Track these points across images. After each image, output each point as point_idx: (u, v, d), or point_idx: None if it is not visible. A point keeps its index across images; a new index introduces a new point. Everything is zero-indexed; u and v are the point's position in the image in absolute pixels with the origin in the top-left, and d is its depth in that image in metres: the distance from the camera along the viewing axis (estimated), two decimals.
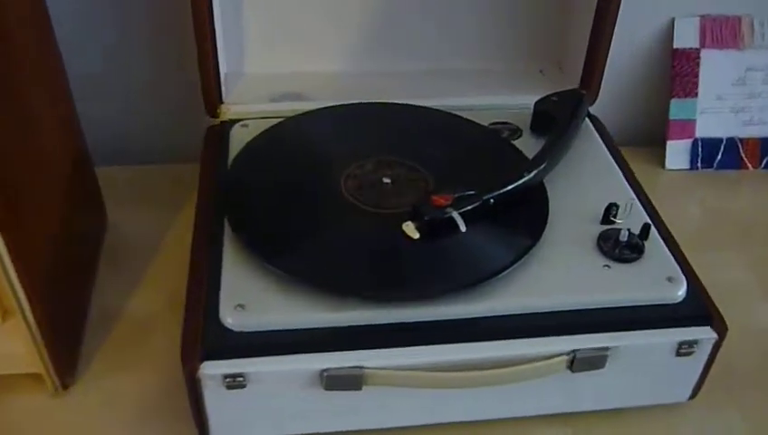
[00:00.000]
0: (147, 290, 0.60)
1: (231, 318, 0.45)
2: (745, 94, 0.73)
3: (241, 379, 0.44)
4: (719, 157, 0.74)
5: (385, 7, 0.66)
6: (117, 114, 0.72)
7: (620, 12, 0.62)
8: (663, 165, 0.74)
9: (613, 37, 0.64)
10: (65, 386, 0.52)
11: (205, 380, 0.44)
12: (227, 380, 0.44)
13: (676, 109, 0.73)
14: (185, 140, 0.68)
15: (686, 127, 0.73)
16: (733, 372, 0.54)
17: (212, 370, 0.44)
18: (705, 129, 0.74)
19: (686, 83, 0.72)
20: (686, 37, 0.72)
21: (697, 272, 0.50)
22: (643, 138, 0.77)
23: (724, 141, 0.74)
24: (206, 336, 0.45)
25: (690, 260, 0.51)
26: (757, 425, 0.52)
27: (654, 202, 0.56)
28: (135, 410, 0.51)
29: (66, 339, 0.53)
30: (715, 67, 0.72)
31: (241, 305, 0.45)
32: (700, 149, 0.74)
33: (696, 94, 0.73)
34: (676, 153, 0.74)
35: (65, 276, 0.54)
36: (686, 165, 0.74)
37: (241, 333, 0.45)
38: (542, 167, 0.53)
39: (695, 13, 0.72)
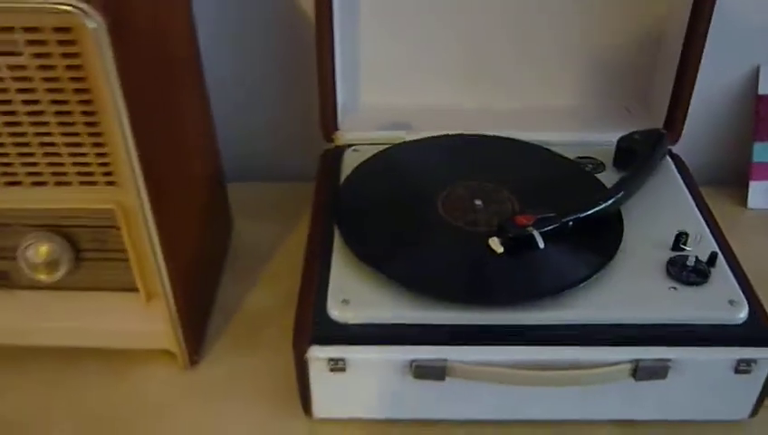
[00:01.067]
0: (263, 289, 0.69)
1: (337, 311, 0.53)
2: None
3: (342, 363, 0.52)
4: None
5: (485, 49, 0.73)
6: (245, 138, 0.82)
7: (709, 57, 0.68)
8: (746, 204, 0.78)
9: (701, 81, 0.70)
10: (193, 363, 0.61)
11: (312, 362, 0.52)
12: (330, 363, 0.52)
13: (759, 151, 0.77)
14: (302, 161, 0.77)
15: None
16: None
17: (318, 353, 0.52)
18: None
19: None
20: None
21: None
22: (728, 178, 0.81)
23: None
24: (315, 325, 0.53)
25: (763, 294, 0.55)
26: None
27: (735, 238, 0.60)
28: (249, 386, 0.60)
29: (196, 324, 0.62)
30: None
31: (345, 301, 0.53)
32: None
33: None
34: (759, 193, 0.78)
35: (199, 271, 0.63)
36: None
37: (344, 324, 0.53)
38: (618, 196, 0.59)
39: None
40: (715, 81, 0.78)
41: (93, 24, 0.44)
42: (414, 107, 0.75)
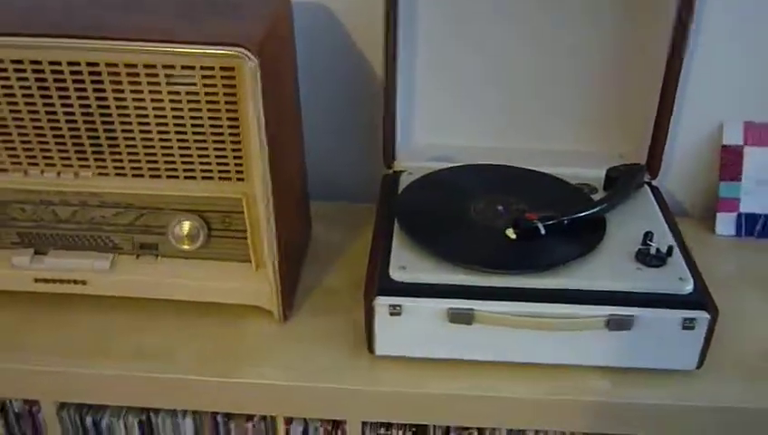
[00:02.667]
0: (334, 275, 0.90)
1: (396, 273, 0.75)
2: None
3: (399, 308, 0.73)
4: (758, 228, 0.98)
5: (514, 103, 0.95)
6: (321, 164, 1.04)
7: (685, 115, 0.90)
8: (714, 231, 0.99)
9: (681, 134, 0.92)
10: (286, 318, 0.83)
11: (377, 307, 0.74)
12: (390, 308, 0.73)
13: (724, 189, 0.98)
14: (366, 184, 1.00)
15: (732, 203, 0.98)
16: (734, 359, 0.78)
17: (382, 301, 0.73)
18: (747, 206, 0.98)
19: (732, 171, 0.97)
20: (732, 136, 0.98)
21: (716, 296, 0.74)
22: (702, 210, 1.02)
23: (763, 217, 0.97)
24: (380, 282, 0.74)
25: (720, 291, 0.75)
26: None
27: (705, 254, 0.80)
28: (325, 337, 0.80)
29: (288, 290, 0.83)
30: (755, 160, 0.97)
31: (402, 267, 0.75)
32: (744, 221, 0.98)
33: (741, 179, 0.97)
34: (724, 223, 0.98)
35: (292, 252, 0.85)
36: (733, 232, 0.98)
37: (401, 282, 0.74)
38: (601, 206, 0.81)
39: (740, 119, 0.98)
40: (693, 133, 0.99)
41: (252, 64, 0.68)
42: (455, 145, 0.97)
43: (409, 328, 0.74)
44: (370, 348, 0.76)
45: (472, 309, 0.72)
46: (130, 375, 0.76)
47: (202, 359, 0.77)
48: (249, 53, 0.67)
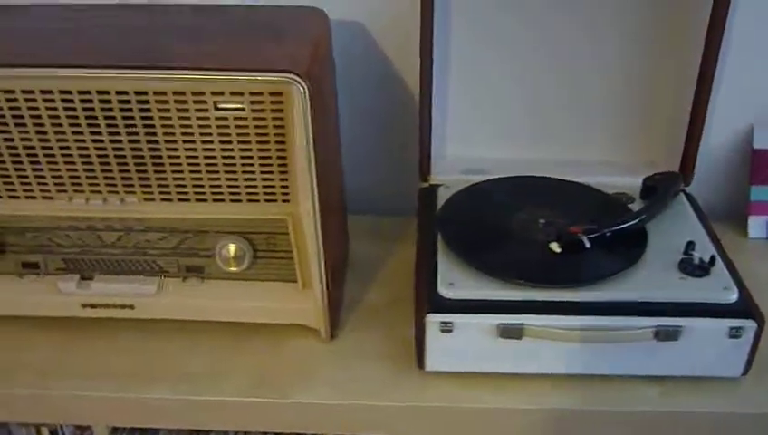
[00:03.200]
0: (375, 290, 0.91)
1: (445, 291, 0.75)
2: None
3: (450, 325, 0.74)
4: None
5: (544, 114, 0.96)
6: (360, 179, 1.05)
7: (716, 120, 0.91)
8: (747, 235, 1.00)
9: (712, 139, 0.93)
10: (333, 337, 0.83)
11: (428, 325, 0.74)
12: (441, 325, 0.74)
13: (755, 193, 0.99)
14: (398, 197, 1.01)
15: (764, 207, 0.99)
16: None
17: (433, 319, 0.74)
18: None
19: (762, 174, 0.98)
20: (763, 140, 0.98)
21: (759, 299, 0.75)
22: (735, 213, 1.03)
23: None
24: (431, 300, 0.75)
25: (759, 295, 0.76)
26: None
27: (739, 258, 0.80)
28: (373, 353, 0.81)
29: (335, 308, 0.84)
30: None
31: (451, 284, 0.76)
32: None
33: None
34: (756, 226, 0.99)
35: (336, 273, 0.86)
36: (765, 235, 0.99)
37: (451, 299, 0.75)
38: (642, 217, 0.82)
39: None
40: (724, 137, 1.00)
41: (302, 89, 0.68)
42: (486, 157, 0.98)
43: (459, 344, 0.75)
44: (420, 364, 0.77)
45: (522, 324, 0.73)
46: (182, 399, 0.77)
47: (251, 380, 0.78)
48: (299, 79, 0.68)
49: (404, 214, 1.03)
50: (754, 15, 0.92)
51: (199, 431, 0.81)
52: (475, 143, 0.98)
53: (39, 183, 0.76)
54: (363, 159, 1.05)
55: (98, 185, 0.76)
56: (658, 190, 0.88)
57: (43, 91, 0.71)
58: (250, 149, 0.74)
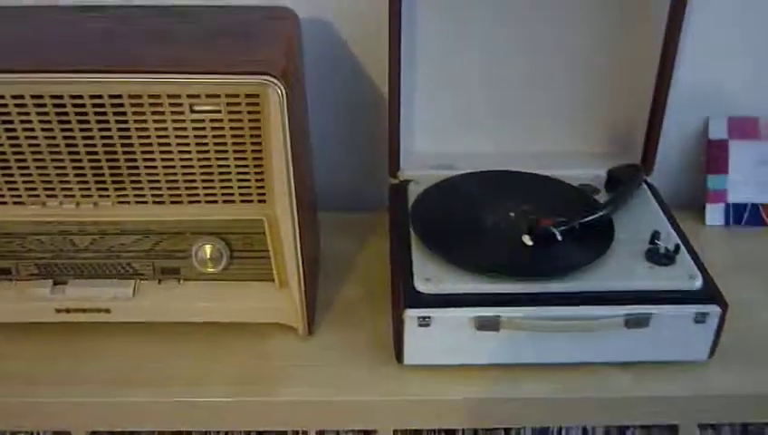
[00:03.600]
0: (348, 287, 0.92)
1: (422, 286, 0.77)
2: (765, 172, 1.02)
3: (428, 320, 0.75)
4: (746, 217, 1.03)
5: (512, 108, 0.97)
6: (327, 175, 1.06)
7: (672, 112, 0.94)
8: (704, 222, 1.04)
9: (670, 130, 0.96)
10: (310, 333, 0.84)
11: (407, 320, 0.76)
12: (419, 320, 0.76)
13: (712, 182, 1.02)
14: (370, 194, 1.02)
15: (720, 195, 1.02)
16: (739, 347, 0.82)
17: (411, 314, 0.75)
18: (734, 196, 1.02)
19: (718, 164, 1.02)
20: (717, 131, 1.02)
21: (721, 285, 0.78)
22: (692, 201, 1.06)
23: (749, 206, 1.02)
24: (408, 296, 0.76)
25: (718, 279, 0.79)
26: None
27: (696, 244, 0.83)
28: (350, 349, 0.82)
29: (311, 306, 0.85)
30: (740, 153, 1.02)
31: (428, 279, 0.77)
32: (731, 211, 1.03)
33: (727, 171, 1.02)
34: (713, 214, 1.03)
35: (310, 271, 0.86)
36: (722, 222, 1.03)
37: (428, 294, 0.76)
38: (610, 209, 0.84)
39: (725, 114, 1.03)
40: (681, 129, 1.04)
41: (279, 91, 0.69)
42: (455, 151, 0.99)
43: (437, 337, 0.77)
44: (399, 359, 0.79)
45: (498, 316, 0.75)
46: (162, 401, 0.77)
47: (231, 381, 0.79)
48: (276, 81, 0.68)
49: (372, 210, 1.04)
50: (711, 11, 0.95)
51: (181, 433, 0.81)
52: (442, 138, 0.99)
53: (10, 188, 0.75)
54: (331, 155, 1.06)
55: (71, 189, 0.76)
56: (622, 181, 0.91)
57: (14, 97, 0.70)
58: (226, 151, 0.74)
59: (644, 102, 0.96)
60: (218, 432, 0.81)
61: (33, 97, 0.70)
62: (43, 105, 0.70)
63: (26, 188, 0.76)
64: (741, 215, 1.02)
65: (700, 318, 0.76)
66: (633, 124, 0.99)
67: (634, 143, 0.99)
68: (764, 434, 0.84)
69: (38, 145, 0.73)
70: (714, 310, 0.76)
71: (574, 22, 0.92)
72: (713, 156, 1.02)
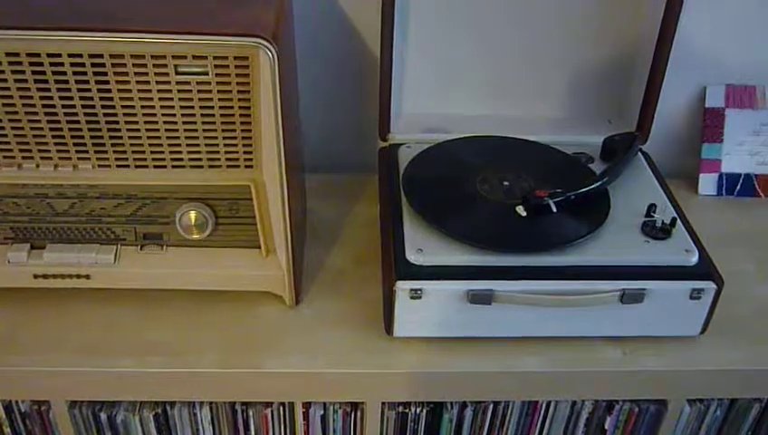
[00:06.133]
0: (336, 252, 0.90)
1: (414, 257, 0.75)
2: (759, 142, 1.00)
3: (420, 292, 0.74)
4: (738, 187, 1.01)
5: (504, 70, 0.95)
6: (316, 138, 1.03)
7: (670, 80, 0.91)
8: (697, 192, 1.02)
9: (665, 98, 0.93)
10: (297, 302, 0.82)
11: (398, 292, 0.74)
12: (411, 292, 0.74)
13: (706, 151, 1.01)
14: (360, 158, 0.99)
15: (714, 164, 1.01)
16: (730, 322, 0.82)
17: (403, 286, 0.74)
18: (728, 166, 1.01)
19: (714, 133, 1.00)
20: (714, 99, 1.00)
21: (713, 257, 0.77)
22: (686, 170, 1.05)
23: (743, 176, 1.01)
24: (399, 267, 0.74)
25: (710, 251, 0.77)
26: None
27: (690, 215, 0.82)
28: (339, 319, 0.80)
29: (298, 274, 0.83)
30: (736, 122, 1.00)
31: (420, 250, 0.75)
32: (724, 181, 1.01)
33: (722, 141, 1.00)
34: (706, 183, 1.02)
35: (297, 236, 0.84)
36: (714, 192, 1.02)
37: (420, 265, 0.74)
38: (606, 179, 0.82)
39: (722, 82, 1.01)
40: (676, 97, 1.02)
41: (270, 54, 0.65)
42: (446, 115, 0.96)
43: (429, 310, 0.75)
44: (389, 330, 0.77)
45: (492, 290, 0.73)
46: (145, 371, 0.75)
47: (216, 350, 0.77)
48: (267, 44, 0.65)
49: (359, 171, 1.02)
50: None
51: (164, 402, 0.79)
52: (432, 100, 0.97)
53: None
54: (317, 114, 1.02)
55: (48, 152, 0.73)
56: (618, 151, 0.89)
57: None
58: (212, 114, 0.71)
59: (640, 69, 0.93)
60: (202, 403, 0.79)
61: (7, 54, 0.66)
62: (19, 63, 0.67)
63: (1, 150, 0.72)
64: (734, 185, 1.01)
65: (695, 294, 0.75)
66: (629, 91, 0.96)
67: (629, 111, 0.97)
68: (751, 409, 0.84)
69: (13, 105, 0.69)
70: (709, 286, 0.75)
71: None
72: (709, 124, 1.00)
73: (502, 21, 0.92)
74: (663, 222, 0.79)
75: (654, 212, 0.80)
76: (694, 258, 0.76)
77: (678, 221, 0.80)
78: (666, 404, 0.81)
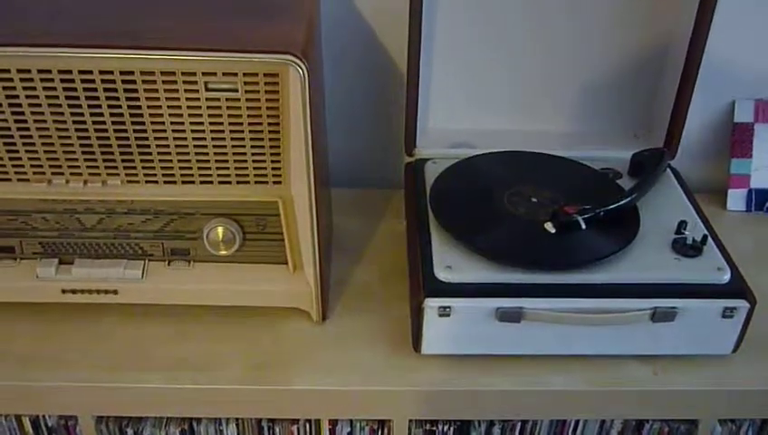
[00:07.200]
0: (362, 268, 0.89)
1: (443, 274, 0.74)
2: None
3: (448, 310, 0.73)
4: None
5: (529, 86, 0.95)
6: (341, 153, 1.02)
7: (697, 95, 0.90)
8: (726, 207, 1.01)
9: (693, 113, 0.92)
10: (324, 318, 0.82)
11: (426, 309, 0.73)
12: (440, 310, 0.73)
13: (735, 166, 1.00)
14: (384, 172, 0.99)
15: (743, 180, 1.00)
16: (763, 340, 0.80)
17: (432, 303, 0.73)
18: (757, 182, 1.00)
19: (743, 148, 0.99)
20: (744, 114, 0.99)
21: (744, 274, 0.76)
22: (713, 185, 1.04)
23: None
24: (428, 284, 0.74)
25: (740, 268, 0.76)
26: None
27: (719, 231, 0.81)
28: (366, 335, 0.80)
29: (324, 291, 0.82)
30: (765, 137, 0.99)
31: (449, 266, 0.75)
32: (754, 197, 1.00)
33: (751, 156, 0.99)
34: (735, 199, 1.01)
35: (325, 252, 0.84)
36: (743, 208, 1.01)
37: (449, 283, 0.74)
38: (635, 195, 0.81)
39: (752, 97, 1.00)
40: (704, 111, 1.01)
41: (300, 71, 0.65)
42: (472, 130, 0.96)
43: (457, 328, 0.74)
44: (417, 347, 0.76)
45: (521, 307, 0.73)
46: (172, 387, 0.75)
47: (243, 366, 0.76)
48: (297, 60, 0.65)
49: (384, 186, 1.02)
50: None
51: (191, 418, 0.79)
52: (458, 115, 0.96)
53: (14, 165, 0.72)
54: (343, 129, 1.02)
55: (78, 167, 0.73)
56: (646, 166, 0.88)
57: (20, 71, 0.66)
58: (242, 131, 0.71)
59: (667, 83, 0.93)
60: (228, 420, 0.79)
61: (40, 72, 0.66)
62: (51, 80, 0.67)
63: (32, 165, 0.73)
64: (763, 201, 1.00)
65: (728, 313, 0.74)
66: (655, 105, 0.96)
67: (656, 125, 0.96)
68: None
69: (44, 121, 0.69)
70: (742, 305, 0.74)
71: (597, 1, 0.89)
72: (738, 139, 0.99)
73: (527, 36, 0.92)
74: (694, 239, 0.78)
75: (684, 229, 0.79)
76: (726, 276, 0.75)
77: (709, 238, 0.79)
78: (696, 424, 0.80)
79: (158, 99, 0.68)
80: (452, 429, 0.80)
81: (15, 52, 0.65)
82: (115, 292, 0.79)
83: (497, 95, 0.96)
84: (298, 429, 0.79)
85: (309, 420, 0.79)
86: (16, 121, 0.69)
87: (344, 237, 0.94)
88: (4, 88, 0.67)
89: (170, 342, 0.78)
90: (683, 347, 0.77)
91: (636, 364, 0.78)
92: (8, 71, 0.66)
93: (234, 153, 0.72)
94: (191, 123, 0.70)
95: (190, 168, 0.73)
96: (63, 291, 0.79)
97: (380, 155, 1.04)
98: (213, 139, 0.71)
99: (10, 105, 0.68)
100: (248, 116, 0.70)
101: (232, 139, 0.71)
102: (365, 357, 0.78)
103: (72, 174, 0.73)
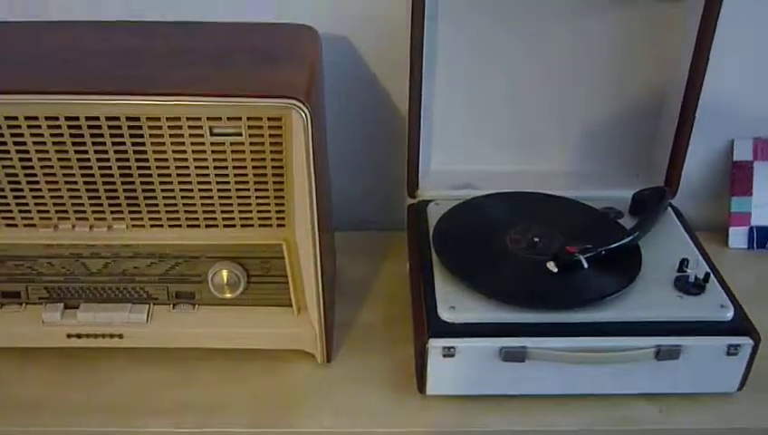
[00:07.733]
0: (366, 310, 0.90)
1: (446, 314, 0.74)
2: None
3: (453, 350, 0.73)
4: None
5: (530, 127, 0.96)
6: (343, 196, 1.03)
7: (696, 134, 0.91)
8: (727, 245, 1.02)
9: (692, 153, 0.93)
10: (329, 360, 0.82)
11: (431, 350, 0.73)
12: (444, 350, 0.73)
13: (736, 204, 1.00)
14: (387, 214, 1.00)
15: (744, 218, 1.00)
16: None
17: (436, 343, 0.73)
18: (758, 219, 1.00)
19: (743, 186, 1.00)
20: (742, 153, 1.00)
21: (747, 311, 0.76)
22: (714, 223, 1.04)
23: None
24: (432, 324, 0.74)
25: (743, 306, 0.77)
26: None
27: (720, 269, 0.81)
28: (370, 377, 0.80)
29: (329, 333, 0.82)
30: (765, 174, 1.00)
31: (452, 307, 0.75)
32: (755, 234, 1.01)
33: (751, 194, 1.00)
34: (737, 237, 1.01)
35: (329, 294, 0.84)
36: (745, 245, 1.01)
37: (453, 323, 0.74)
38: (637, 234, 0.82)
39: (750, 136, 1.01)
40: (703, 150, 1.01)
41: (303, 115, 0.66)
42: (473, 171, 0.97)
43: (461, 368, 0.74)
44: (421, 389, 0.76)
45: (525, 347, 0.73)
46: (177, 432, 0.74)
47: (248, 409, 0.76)
48: (300, 105, 0.66)
49: (387, 229, 1.02)
50: (736, 30, 0.93)
51: None
52: (460, 157, 0.97)
53: (21, 211, 0.73)
54: (348, 172, 1.03)
55: (84, 212, 0.74)
56: (647, 205, 0.88)
57: (27, 118, 0.67)
58: (246, 174, 0.72)
59: (666, 122, 0.94)
60: None
61: (47, 118, 0.67)
62: (58, 126, 0.68)
63: (38, 211, 0.73)
64: (765, 238, 1.00)
65: (732, 350, 0.74)
66: (655, 144, 0.97)
67: (656, 164, 0.97)
68: None
69: (51, 167, 0.70)
70: (746, 342, 0.74)
71: (598, 43, 0.90)
72: (737, 177, 1.00)
73: (528, 78, 0.93)
74: (696, 277, 0.78)
75: (686, 267, 0.80)
76: (729, 313, 0.75)
77: (712, 276, 0.79)
78: None
79: (163, 144, 0.69)
80: None
81: (23, 99, 0.66)
82: (120, 336, 0.79)
83: (499, 137, 0.97)
84: None
85: None
86: (24, 168, 0.70)
87: (348, 279, 0.94)
88: (12, 135, 0.68)
89: (175, 385, 0.78)
90: (688, 385, 0.77)
91: (641, 403, 0.77)
92: (16, 118, 0.67)
93: (238, 196, 0.73)
94: (196, 168, 0.71)
95: (195, 211, 0.74)
96: (69, 335, 0.79)
97: (383, 197, 1.05)
98: (217, 182, 0.72)
99: (17, 152, 0.69)
100: (252, 160, 0.71)
101: (236, 182, 0.72)
102: (370, 399, 0.78)
103: (78, 219, 0.74)
